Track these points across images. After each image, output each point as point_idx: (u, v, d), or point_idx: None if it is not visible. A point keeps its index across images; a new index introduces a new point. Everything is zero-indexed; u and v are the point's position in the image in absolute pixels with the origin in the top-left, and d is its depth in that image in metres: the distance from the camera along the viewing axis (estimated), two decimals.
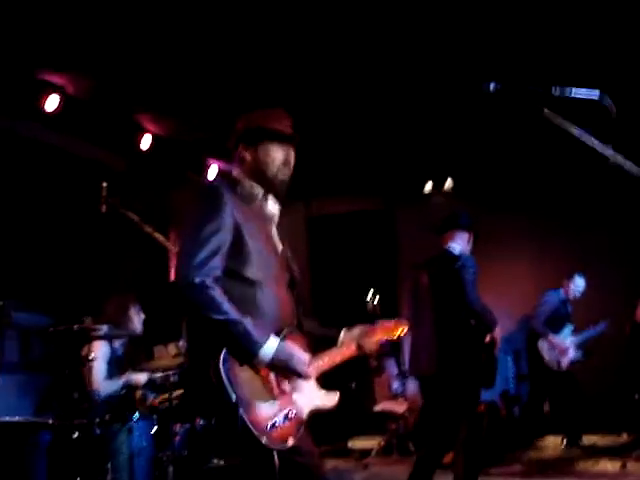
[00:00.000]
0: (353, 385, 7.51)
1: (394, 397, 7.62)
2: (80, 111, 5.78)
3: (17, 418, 4.37)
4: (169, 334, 6.54)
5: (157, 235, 4.49)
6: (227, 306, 2.47)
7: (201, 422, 4.99)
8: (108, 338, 4.79)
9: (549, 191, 8.29)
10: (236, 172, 2.85)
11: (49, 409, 5.39)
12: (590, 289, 7.57)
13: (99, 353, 4.73)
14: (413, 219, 9.01)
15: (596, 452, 6.76)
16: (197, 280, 2.48)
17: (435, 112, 6.54)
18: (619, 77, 5.71)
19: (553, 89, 2.43)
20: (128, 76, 5.52)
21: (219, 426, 2.59)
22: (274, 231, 2.88)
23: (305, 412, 2.64)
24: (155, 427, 4.63)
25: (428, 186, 8.85)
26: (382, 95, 6.20)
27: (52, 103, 5.41)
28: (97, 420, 4.24)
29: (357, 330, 3.07)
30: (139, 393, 5.15)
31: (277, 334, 2.59)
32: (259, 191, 2.81)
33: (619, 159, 2.25)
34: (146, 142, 6.57)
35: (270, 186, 2.81)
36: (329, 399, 2.81)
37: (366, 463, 7.23)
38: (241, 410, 2.36)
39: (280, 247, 2.86)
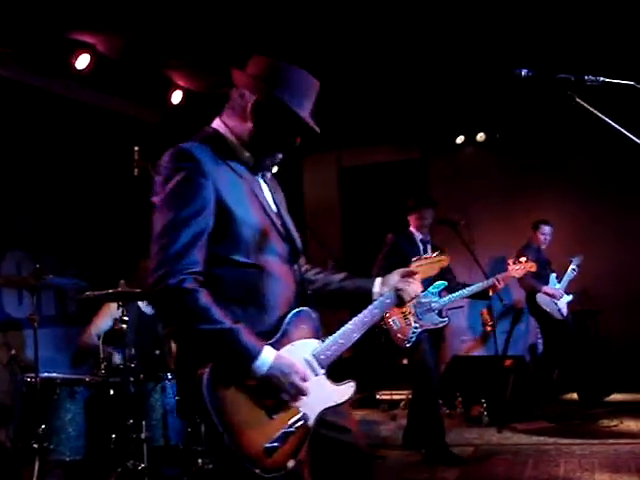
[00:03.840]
0: (383, 339, 7.58)
1: None
2: (111, 68, 5.78)
3: (55, 374, 4.54)
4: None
5: None
6: (215, 312, 2.08)
7: None
8: (142, 299, 4.88)
9: (579, 145, 8.16)
10: (223, 128, 2.37)
11: (85, 363, 5.57)
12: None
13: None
14: (445, 170, 8.98)
15: (621, 411, 6.78)
16: (172, 282, 2.06)
17: (471, 68, 6.46)
18: None
19: (586, 77, 2.41)
20: (157, 33, 5.50)
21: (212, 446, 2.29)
22: (267, 193, 2.44)
23: (313, 418, 2.28)
24: None
25: (460, 138, 8.78)
26: (416, 46, 6.11)
27: (83, 62, 5.42)
28: (132, 379, 4.38)
29: (394, 276, 2.58)
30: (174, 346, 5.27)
31: (281, 320, 2.28)
32: (248, 157, 2.37)
33: None
34: (177, 97, 6.57)
35: (257, 160, 2.39)
36: (343, 393, 2.42)
37: (394, 414, 7.37)
38: (227, 439, 2.06)
39: (275, 213, 2.41)
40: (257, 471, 2.08)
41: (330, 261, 6.13)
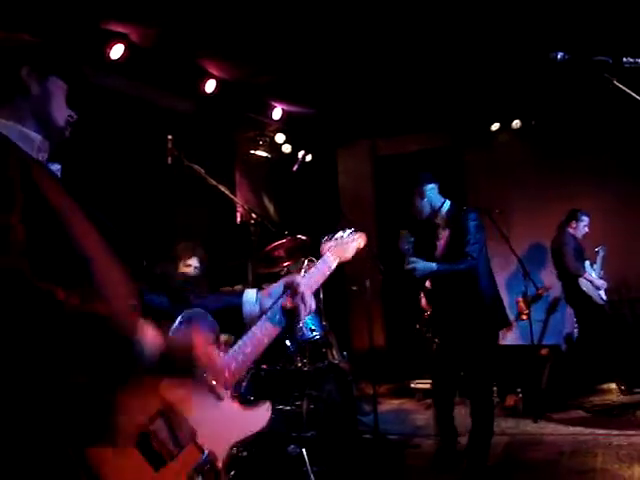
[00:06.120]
0: (418, 325, 7.56)
1: None
2: (145, 58, 5.80)
3: None
4: (235, 277, 6.69)
5: (221, 187, 4.57)
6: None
7: (266, 367, 5.15)
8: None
9: (617, 131, 8.01)
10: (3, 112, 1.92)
11: None
12: None
13: None
14: (480, 158, 8.89)
15: None
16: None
17: (506, 54, 6.37)
18: None
19: (624, 60, 2.36)
20: (191, 22, 5.50)
21: None
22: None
23: (223, 455, 1.78)
24: None
25: (495, 125, 8.69)
26: (450, 31, 6.03)
27: (117, 51, 5.45)
28: None
29: (279, 287, 2.18)
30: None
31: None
32: (37, 142, 1.95)
33: None
34: (210, 86, 6.58)
35: (54, 136, 2.01)
36: (257, 419, 1.90)
37: (428, 404, 7.34)
38: None
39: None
40: None
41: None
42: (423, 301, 5.56)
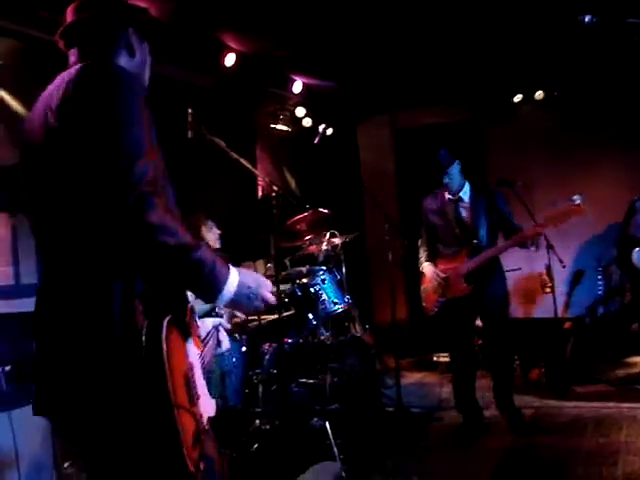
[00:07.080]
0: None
1: None
2: (163, 32, 5.75)
3: None
4: (257, 251, 6.69)
5: (243, 161, 4.54)
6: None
7: (289, 341, 5.16)
8: None
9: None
10: (123, 64, 2.05)
11: None
12: None
13: None
14: (502, 130, 8.79)
15: None
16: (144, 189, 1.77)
17: (529, 24, 6.23)
18: None
19: None
20: None
21: (136, 429, 1.71)
22: None
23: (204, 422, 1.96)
24: (245, 347, 4.80)
25: (518, 96, 8.56)
26: (472, 1, 5.93)
27: None
28: None
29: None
30: (228, 311, 5.29)
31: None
32: None
33: None
34: (230, 60, 6.53)
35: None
36: (212, 406, 2.08)
37: (451, 377, 7.32)
38: (176, 415, 1.66)
39: None
40: (190, 465, 1.70)
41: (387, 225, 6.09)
42: (426, 281, 5.59)
